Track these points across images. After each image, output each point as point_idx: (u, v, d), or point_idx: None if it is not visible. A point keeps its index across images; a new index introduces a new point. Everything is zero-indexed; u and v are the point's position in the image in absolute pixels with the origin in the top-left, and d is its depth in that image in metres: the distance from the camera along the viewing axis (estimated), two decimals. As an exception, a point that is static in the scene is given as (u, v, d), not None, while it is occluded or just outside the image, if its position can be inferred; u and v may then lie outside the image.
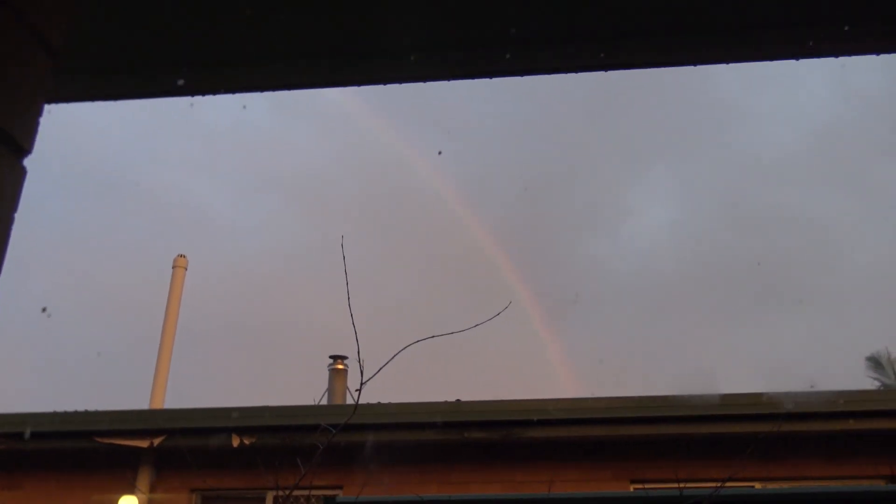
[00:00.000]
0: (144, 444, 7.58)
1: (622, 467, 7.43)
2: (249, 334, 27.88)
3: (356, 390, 3.51)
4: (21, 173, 0.96)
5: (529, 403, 7.45)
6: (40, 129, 1.01)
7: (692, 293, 32.68)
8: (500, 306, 3.91)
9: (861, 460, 7.15)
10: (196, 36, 1.62)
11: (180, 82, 1.66)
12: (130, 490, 7.68)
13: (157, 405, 12.26)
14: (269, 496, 7.73)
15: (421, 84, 1.76)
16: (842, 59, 1.68)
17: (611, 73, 1.79)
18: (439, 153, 25.84)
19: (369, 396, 9.12)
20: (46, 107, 1.04)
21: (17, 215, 0.96)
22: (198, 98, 1.72)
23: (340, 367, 11.85)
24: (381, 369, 3.42)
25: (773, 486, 6.78)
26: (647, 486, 7.05)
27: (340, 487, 7.30)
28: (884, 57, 1.68)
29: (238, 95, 1.74)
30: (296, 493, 4.09)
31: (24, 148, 0.97)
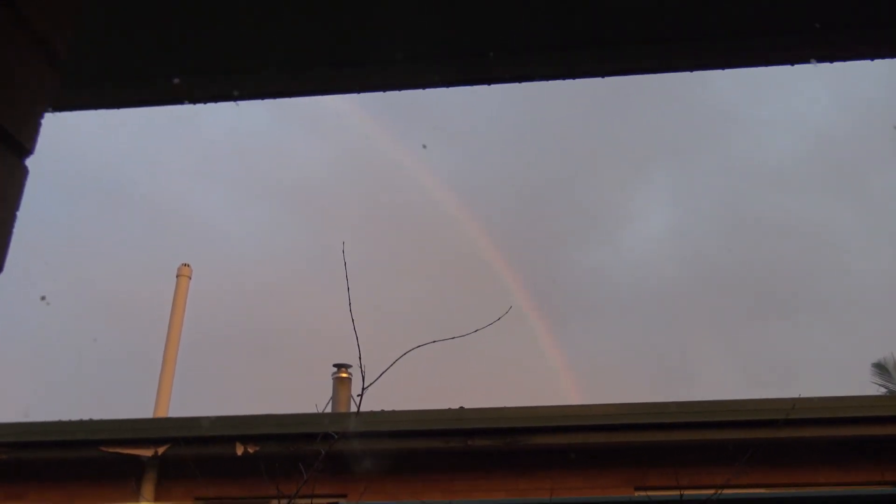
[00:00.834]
0: (149, 452, 7.59)
1: (625, 474, 7.41)
2: (254, 342, 27.88)
3: (357, 395, 3.52)
4: (23, 173, 0.98)
5: (532, 411, 7.44)
6: (42, 135, 1.02)
7: (694, 300, 32.65)
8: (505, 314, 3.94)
9: (867, 466, 7.12)
10: (197, 45, 1.64)
11: (181, 90, 1.68)
12: (134, 499, 7.68)
13: (162, 414, 12.27)
14: (273, 505, 7.73)
15: (420, 91, 1.78)
16: (841, 66, 1.69)
17: (610, 79, 1.80)
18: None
19: (375, 404, 9.12)
20: (49, 115, 1.06)
21: (16, 214, 0.97)
22: (199, 106, 1.74)
23: (345, 375, 11.83)
24: (381, 375, 3.44)
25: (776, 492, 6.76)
26: (649, 492, 7.03)
27: (344, 496, 7.29)
28: (884, 65, 1.69)
29: (238, 103, 1.76)
30: (299, 501, 4.10)
31: (26, 148, 0.98)
